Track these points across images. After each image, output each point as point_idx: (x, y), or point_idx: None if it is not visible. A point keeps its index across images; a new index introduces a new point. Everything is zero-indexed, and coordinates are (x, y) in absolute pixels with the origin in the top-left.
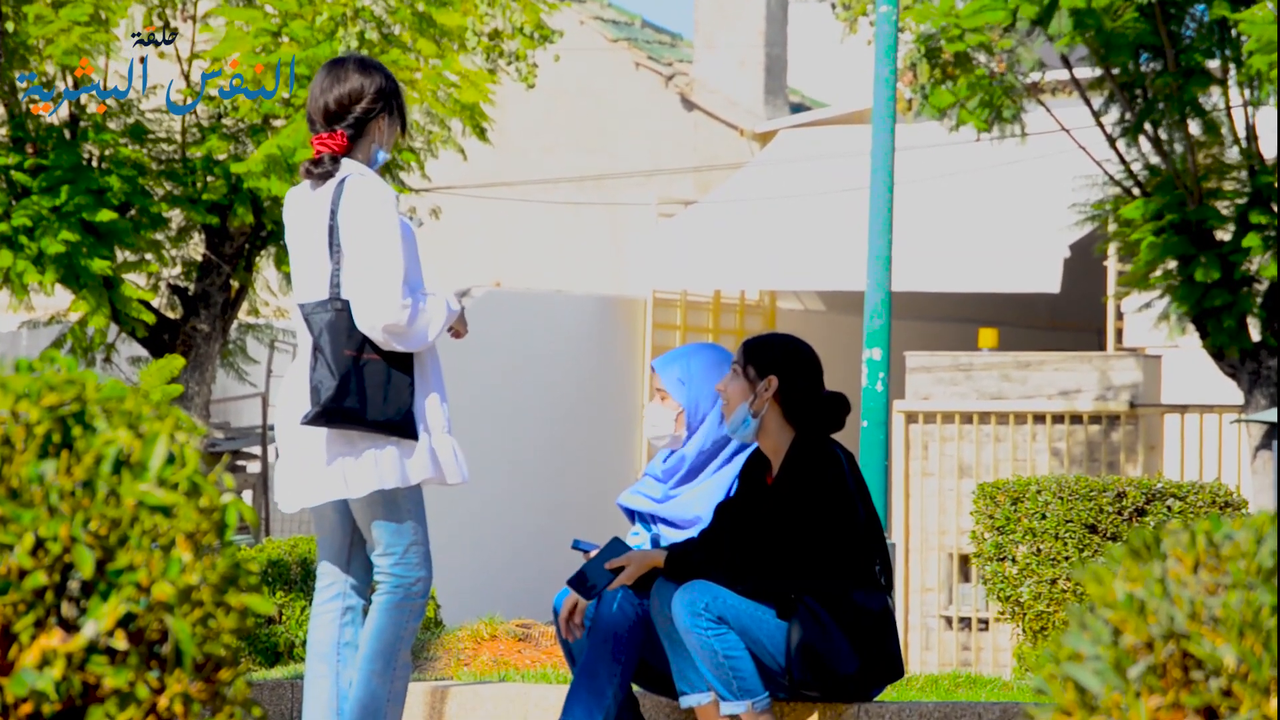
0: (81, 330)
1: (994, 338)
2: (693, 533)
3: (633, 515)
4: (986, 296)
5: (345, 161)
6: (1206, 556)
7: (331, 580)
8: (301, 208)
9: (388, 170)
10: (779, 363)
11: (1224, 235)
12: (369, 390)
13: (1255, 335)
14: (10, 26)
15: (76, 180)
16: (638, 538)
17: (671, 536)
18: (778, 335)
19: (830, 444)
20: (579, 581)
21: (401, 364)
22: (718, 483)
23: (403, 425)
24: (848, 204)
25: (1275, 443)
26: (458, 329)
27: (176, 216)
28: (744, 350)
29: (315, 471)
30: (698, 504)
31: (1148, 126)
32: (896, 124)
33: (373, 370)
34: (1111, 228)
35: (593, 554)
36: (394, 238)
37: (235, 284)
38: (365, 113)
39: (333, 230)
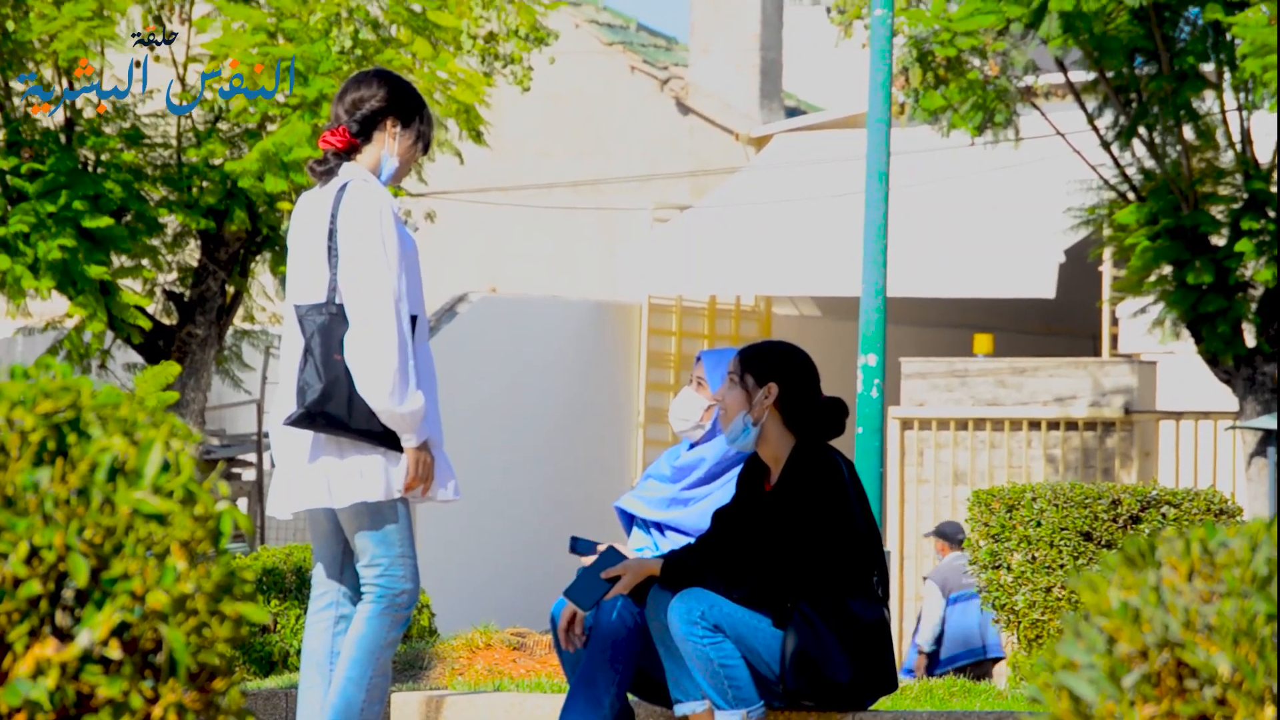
0: (77, 336)
1: (989, 343)
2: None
3: (630, 521)
4: (981, 302)
5: (348, 165)
6: (1201, 564)
7: (325, 589)
8: (307, 210)
9: None
10: (778, 370)
11: (1219, 240)
12: (357, 398)
13: (1250, 341)
14: (10, 26)
15: (73, 185)
16: (644, 554)
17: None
18: (774, 342)
19: (831, 452)
20: (575, 592)
21: None
22: (731, 492)
23: (388, 436)
24: (843, 208)
25: (1270, 449)
26: (411, 481)
27: (172, 222)
28: (740, 359)
29: (302, 478)
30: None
31: (1142, 130)
32: (892, 128)
33: None
34: (1106, 232)
35: (591, 558)
36: (388, 247)
37: (231, 290)
38: (372, 112)
39: (332, 235)
